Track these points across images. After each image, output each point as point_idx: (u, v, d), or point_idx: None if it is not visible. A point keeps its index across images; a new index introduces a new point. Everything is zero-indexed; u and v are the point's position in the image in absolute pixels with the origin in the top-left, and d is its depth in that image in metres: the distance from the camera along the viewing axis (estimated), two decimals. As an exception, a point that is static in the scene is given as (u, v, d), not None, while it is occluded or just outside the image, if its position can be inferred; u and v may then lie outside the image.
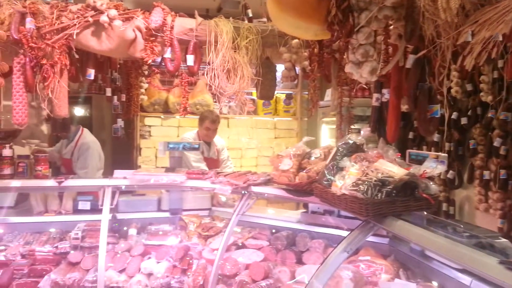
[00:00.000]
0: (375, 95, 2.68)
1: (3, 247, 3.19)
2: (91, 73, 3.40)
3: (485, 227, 1.80)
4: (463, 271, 2.08)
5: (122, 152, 6.18)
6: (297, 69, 3.66)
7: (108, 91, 4.41)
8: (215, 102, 5.90)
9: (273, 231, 3.37)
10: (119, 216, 3.58)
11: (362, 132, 2.37)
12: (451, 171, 3.76)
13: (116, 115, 4.79)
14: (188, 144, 3.73)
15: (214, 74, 3.29)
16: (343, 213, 2.99)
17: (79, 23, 3.08)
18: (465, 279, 2.07)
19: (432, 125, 2.30)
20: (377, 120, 2.68)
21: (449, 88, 3.54)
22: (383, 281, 2.38)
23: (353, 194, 1.84)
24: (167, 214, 3.75)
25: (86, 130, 4.54)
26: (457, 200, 3.82)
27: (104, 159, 4.61)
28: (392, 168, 1.88)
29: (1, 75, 2.96)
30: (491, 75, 3.24)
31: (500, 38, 1.70)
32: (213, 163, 4.67)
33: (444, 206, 3.87)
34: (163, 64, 3.43)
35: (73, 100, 5.06)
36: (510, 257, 1.31)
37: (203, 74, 3.40)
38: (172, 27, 3.28)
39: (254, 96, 6.21)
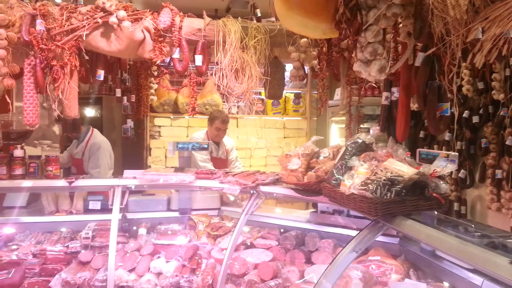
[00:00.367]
0: (385, 94, 2.65)
1: (15, 247, 3.24)
2: (101, 74, 3.42)
3: (497, 226, 1.78)
4: (474, 271, 2.05)
5: (132, 152, 6.23)
6: (306, 68, 3.65)
7: (118, 92, 4.45)
8: (224, 102, 5.92)
9: (282, 230, 3.36)
10: (129, 215, 3.60)
11: (371, 131, 2.34)
12: (462, 170, 3.73)
13: (126, 116, 4.83)
14: (197, 144, 3.74)
15: (223, 74, 3.30)
16: (352, 212, 2.97)
17: (88, 25, 3.10)
18: (477, 279, 2.04)
19: (442, 123, 2.27)
20: (386, 119, 2.65)
21: (460, 86, 3.51)
22: (393, 281, 2.36)
23: (362, 194, 1.83)
24: (176, 214, 3.77)
25: (96, 130, 4.58)
26: (468, 199, 3.78)
27: (114, 159, 4.64)
28: (401, 167, 1.86)
29: (12, 76, 2.99)
30: (503, 73, 3.20)
31: (511, 35, 1.67)
32: (222, 163, 4.67)
33: (456, 206, 3.83)
34: (171, 64, 3.44)
35: (83, 101, 5.13)
36: (523, 257, 1.29)
37: (211, 74, 3.40)
38: (180, 28, 3.29)
39: (263, 96, 6.21)
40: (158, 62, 3.22)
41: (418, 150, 2.33)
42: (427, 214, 1.80)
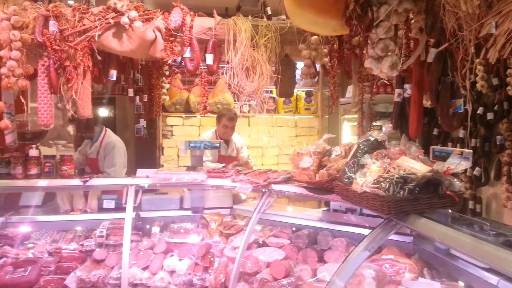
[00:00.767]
0: (397, 91, 2.63)
1: (31, 245, 3.30)
2: (114, 74, 3.45)
3: (513, 225, 1.74)
4: (490, 270, 2.03)
5: (145, 152, 6.27)
6: (317, 66, 3.63)
7: (131, 92, 4.48)
8: (235, 100, 5.92)
9: (294, 229, 3.36)
10: (142, 214, 3.64)
11: (384, 128, 2.32)
12: (477, 168, 3.67)
13: (139, 115, 4.86)
14: (209, 143, 3.75)
15: (233, 73, 3.30)
16: (365, 211, 2.95)
17: (100, 25, 3.13)
18: (492, 278, 2.02)
19: (456, 120, 2.24)
20: (399, 116, 2.63)
21: (474, 82, 3.45)
22: (407, 280, 2.34)
23: (375, 192, 1.81)
24: (189, 213, 3.79)
25: (109, 130, 4.63)
26: (483, 197, 3.73)
27: (128, 158, 4.69)
28: (414, 165, 1.84)
29: (27, 77, 3.03)
30: (518, 68, 3.14)
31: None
32: (231, 161, 4.68)
33: (471, 204, 3.78)
34: (183, 64, 3.46)
35: (97, 101, 5.17)
36: (539, 256, 1.26)
37: (222, 73, 3.41)
38: (191, 27, 3.30)
39: (275, 94, 6.19)
40: (169, 61, 3.24)
41: (431, 147, 2.31)
42: (441, 212, 1.78)
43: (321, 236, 3.15)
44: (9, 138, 3.22)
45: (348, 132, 6.24)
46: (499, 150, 3.44)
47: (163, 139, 6.16)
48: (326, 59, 3.48)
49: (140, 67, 4.34)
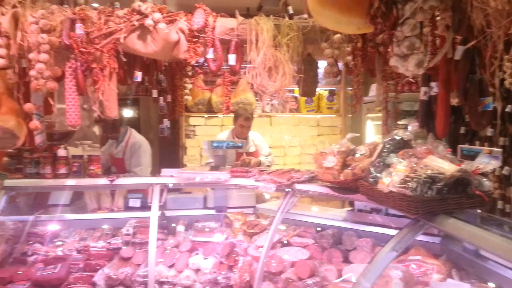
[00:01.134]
0: (423, 89, 2.58)
1: (60, 243, 3.38)
2: (138, 75, 3.51)
3: (544, 226, 1.70)
4: (521, 271, 1.98)
5: (168, 152, 6.35)
6: (340, 64, 3.60)
7: (154, 93, 4.53)
8: (258, 100, 5.93)
9: (318, 229, 3.34)
10: (167, 213, 3.69)
11: (409, 127, 2.29)
12: (506, 167, 3.57)
13: (162, 116, 4.92)
14: (231, 143, 3.77)
15: (256, 73, 3.30)
16: (391, 211, 2.91)
17: (125, 27, 3.18)
18: (524, 280, 1.96)
19: (484, 118, 2.19)
20: (425, 115, 2.59)
21: (502, 80, 3.36)
22: (435, 281, 2.30)
23: (402, 192, 1.79)
24: (212, 212, 3.82)
25: (133, 130, 4.71)
26: (513, 197, 3.62)
27: (152, 158, 4.76)
28: (442, 164, 1.81)
29: (55, 79, 3.11)
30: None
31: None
32: (251, 156, 4.72)
33: (500, 204, 3.67)
34: (205, 64, 3.49)
35: (122, 102, 5.25)
36: None
37: (244, 73, 3.42)
38: (213, 28, 3.32)
39: (297, 94, 6.17)
40: (192, 62, 3.27)
41: (459, 146, 2.26)
42: (470, 212, 1.75)
43: (346, 236, 3.12)
44: (38, 139, 3.30)
45: (372, 131, 6.17)
46: (529, 148, 3.34)
47: (186, 139, 6.23)
48: (349, 58, 3.45)
49: (163, 68, 4.40)
